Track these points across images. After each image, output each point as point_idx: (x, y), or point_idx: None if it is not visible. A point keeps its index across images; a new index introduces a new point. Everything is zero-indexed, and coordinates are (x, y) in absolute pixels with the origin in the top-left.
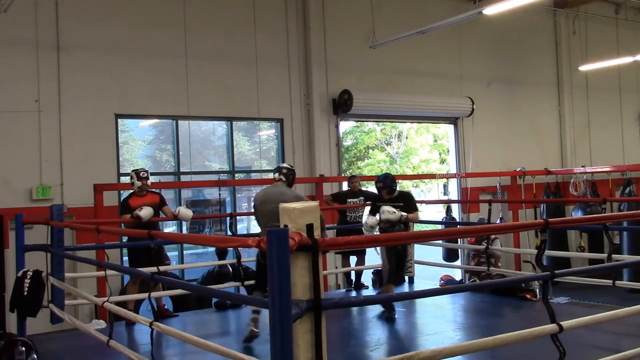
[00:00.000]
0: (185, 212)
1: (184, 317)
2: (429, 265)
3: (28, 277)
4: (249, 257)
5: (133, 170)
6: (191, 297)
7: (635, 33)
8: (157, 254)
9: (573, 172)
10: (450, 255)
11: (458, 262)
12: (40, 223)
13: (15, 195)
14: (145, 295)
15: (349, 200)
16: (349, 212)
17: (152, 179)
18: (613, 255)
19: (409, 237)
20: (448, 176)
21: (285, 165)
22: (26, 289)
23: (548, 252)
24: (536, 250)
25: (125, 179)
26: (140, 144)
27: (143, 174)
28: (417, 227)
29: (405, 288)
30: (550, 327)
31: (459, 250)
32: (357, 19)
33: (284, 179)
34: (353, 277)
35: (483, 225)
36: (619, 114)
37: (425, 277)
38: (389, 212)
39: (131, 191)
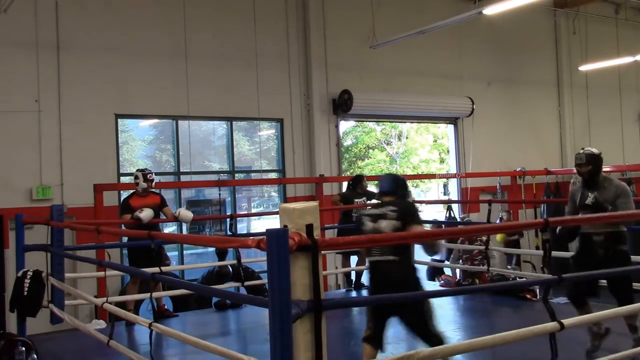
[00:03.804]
0: (186, 213)
1: (184, 317)
2: (428, 265)
3: (28, 277)
4: (249, 258)
5: (139, 170)
6: (191, 297)
7: (635, 33)
8: (158, 254)
9: (573, 172)
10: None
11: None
12: (40, 223)
13: (15, 195)
14: (146, 295)
15: (355, 200)
16: (354, 212)
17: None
18: None
19: (409, 237)
20: (448, 176)
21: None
22: (26, 289)
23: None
24: (535, 251)
25: (125, 179)
26: (140, 144)
27: (150, 176)
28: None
29: None
30: (551, 325)
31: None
32: (357, 19)
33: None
34: (353, 277)
35: (483, 225)
36: (619, 114)
37: (425, 277)
38: None
39: (132, 191)
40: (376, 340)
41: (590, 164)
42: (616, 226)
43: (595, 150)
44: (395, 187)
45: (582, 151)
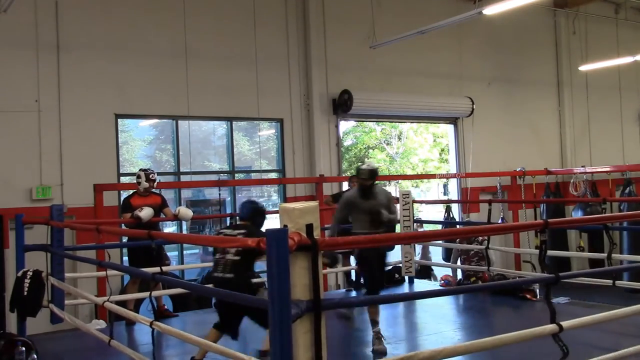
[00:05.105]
0: (186, 211)
1: (184, 317)
2: (429, 265)
3: (28, 277)
4: None
5: (142, 170)
6: (191, 297)
7: (635, 33)
8: (158, 254)
9: (573, 172)
10: (449, 256)
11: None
12: (40, 223)
13: (15, 195)
14: (145, 294)
15: None
16: None
17: None
18: (613, 256)
19: (409, 237)
20: (448, 176)
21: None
22: (26, 289)
23: (548, 252)
24: (535, 250)
25: (125, 179)
26: (140, 144)
27: (153, 177)
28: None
29: (406, 288)
30: (551, 327)
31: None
32: (357, 19)
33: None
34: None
35: (483, 225)
36: (619, 114)
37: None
38: None
39: (133, 190)
40: (224, 329)
41: (372, 179)
42: (382, 227)
43: (374, 166)
44: (252, 215)
45: (364, 167)
